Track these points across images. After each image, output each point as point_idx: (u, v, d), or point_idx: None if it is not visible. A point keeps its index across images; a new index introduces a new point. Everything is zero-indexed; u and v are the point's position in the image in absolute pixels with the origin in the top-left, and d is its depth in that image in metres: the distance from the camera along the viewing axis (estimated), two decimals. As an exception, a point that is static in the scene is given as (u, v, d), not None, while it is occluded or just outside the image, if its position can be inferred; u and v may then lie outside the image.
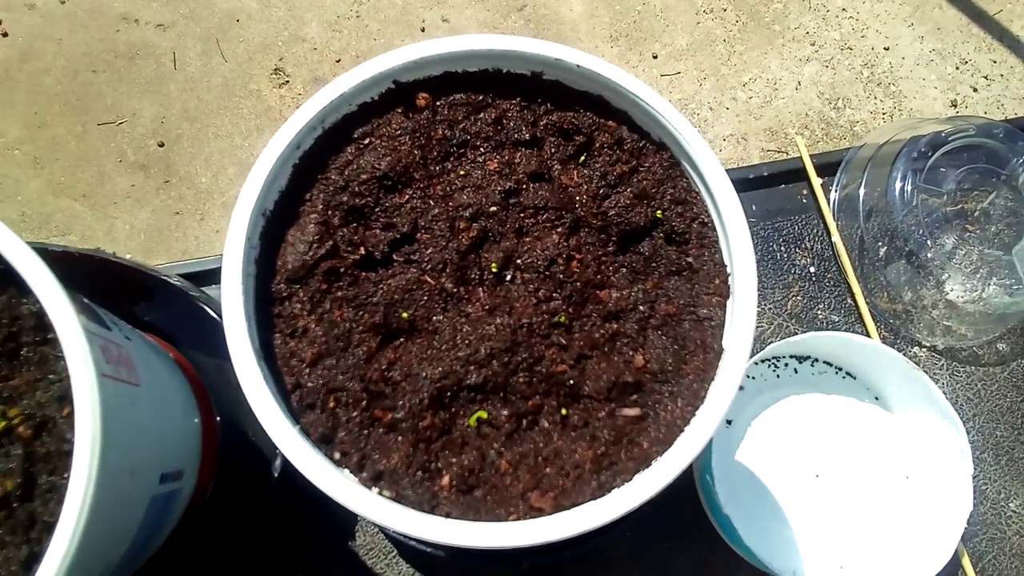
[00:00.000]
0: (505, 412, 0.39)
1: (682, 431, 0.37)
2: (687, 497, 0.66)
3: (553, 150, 0.43)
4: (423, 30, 2.07)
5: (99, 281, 0.58)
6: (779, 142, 2.12)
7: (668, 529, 0.66)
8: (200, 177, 1.86)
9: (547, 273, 0.41)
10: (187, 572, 0.57)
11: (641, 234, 0.43)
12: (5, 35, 1.86)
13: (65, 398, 0.37)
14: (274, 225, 0.40)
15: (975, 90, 2.23)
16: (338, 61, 1.98)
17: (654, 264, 0.42)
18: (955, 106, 2.18)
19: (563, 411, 0.39)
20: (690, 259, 0.42)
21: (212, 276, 0.68)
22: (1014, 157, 0.70)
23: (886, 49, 2.24)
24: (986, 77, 2.25)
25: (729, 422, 0.68)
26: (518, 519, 0.36)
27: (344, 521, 0.64)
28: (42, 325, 0.38)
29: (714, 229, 0.42)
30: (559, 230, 0.42)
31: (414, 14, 2.09)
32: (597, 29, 2.18)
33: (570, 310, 0.40)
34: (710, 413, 0.37)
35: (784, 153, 2.10)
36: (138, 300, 0.60)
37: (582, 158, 0.44)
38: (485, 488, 0.38)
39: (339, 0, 2.06)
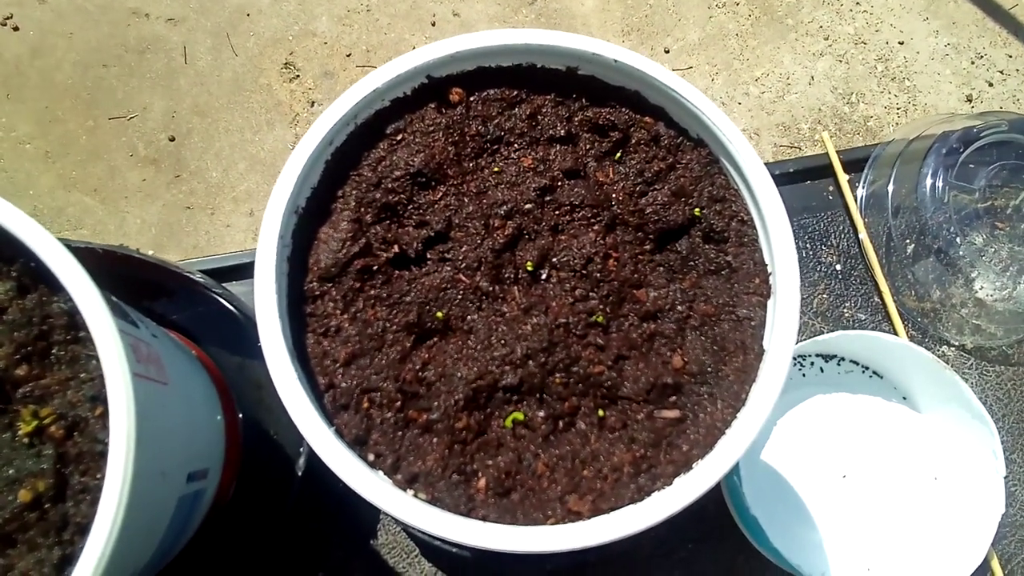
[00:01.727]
0: (541, 413, 0.38)
1: (723, 433, 0.36)
2: (712, 498, 0.65)
3: (588, 147, 0.43)
4: (433, 24, 2.06)
5: (122, 278, 0.57)
6: (792, 137, 2.10)
7: (694, 531, 0.65)
8: (211, 172, 1.85)
9: (583, 272, 0.40)
10: (210, 572, 0.56)
11: (678, 232, 0.42)
12: (16, 30, 1.86)
13: (97, 398, 0.36)
14: (307, 223, 0.39)
15: (990, 85, 2.21)
16: (348, 55, 1.97)
17: (692, 263, 0.42)
18: (970, 101, 2.16)
19: (600, 412, 0.39)
20: (729, 258, 0.41)
21: (234, 273, 0.67)
22: (1046, 153, 0.69)
23: (900, 43, 2.22)
24: (1002, 72, 2.23)
25: (754, 421, 0.68)
26: (556, 523, 0.36)
27: (366, 520, 0.64)
28: (73, 324, 0.37)
29: (754, 227, 0.41)
30: (595, 228, 0.41)
31: (424, 8, 2.08)
32: (608, 23, 2.16)
33: (607, 310, 0.40)
34: (752, 415, 0.36)
35: (797, 148, 2.09)
36: (161, 297, 0.59)
37: (618, 155, 0.43)
38: (522, 491, 0.37)
39: (350, -6, 2.05)
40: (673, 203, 0.42)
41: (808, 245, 0.73)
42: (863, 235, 0.73)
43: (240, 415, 0.61)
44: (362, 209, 0.40)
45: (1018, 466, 0.69)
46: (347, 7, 2.04)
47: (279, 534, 0.61)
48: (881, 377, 0.69)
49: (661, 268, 0.42)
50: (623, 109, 0.43)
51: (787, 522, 0.64)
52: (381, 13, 2.05)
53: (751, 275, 0.41)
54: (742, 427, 0.36)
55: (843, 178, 0.75)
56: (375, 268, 0.39)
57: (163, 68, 1.92)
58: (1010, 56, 2.24)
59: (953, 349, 0.72)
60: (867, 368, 0.69)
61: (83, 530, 0.34)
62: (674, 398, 0.39)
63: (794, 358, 0.69)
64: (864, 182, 0.74)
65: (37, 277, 0.37)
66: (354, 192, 0.40)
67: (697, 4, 2.22)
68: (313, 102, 1.89)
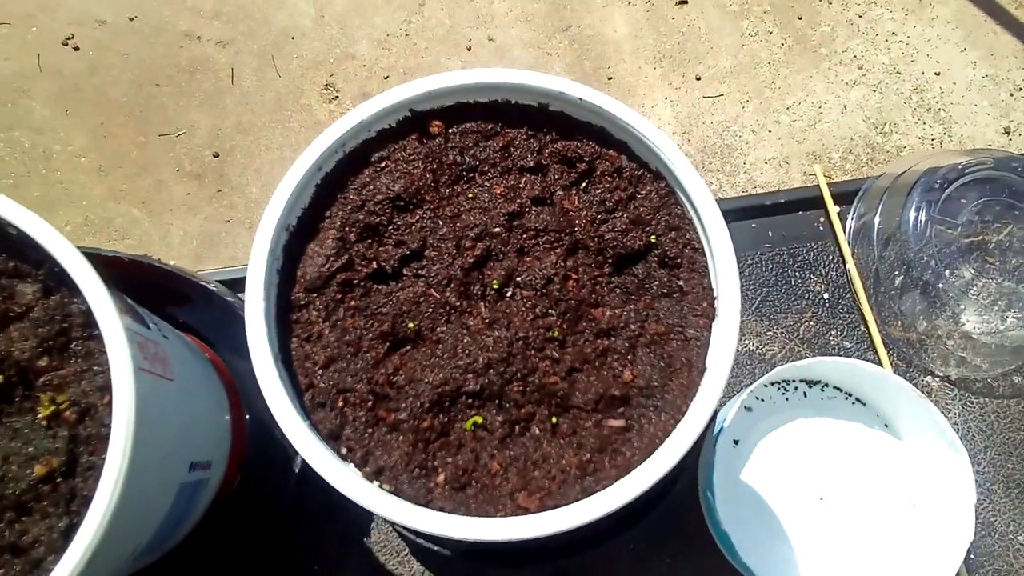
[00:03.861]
0: (499, 418, 0.42)
1: (663, 443, 0.40)
2: (694, 514, 0.67)
3: (557, 176, 0.47)
4: (469, 49, 2.13)
5: (145, 284, 0.63)
6: (822, 166, 2.11)
7: (673, 544, 0.68)
8: (251, 187, 1.94)
9: (544, 291, 0.44)
10: (212, 561, 0.61)
11: (636, 257, 0.46)
12: (77, 49, 1.98)
13: (106, 388, 0.41)
14: (296, 239, 0.44)
15: (1029, 117, 2.18)
16: (386, 78, 2.05)
17: (647, 286, 0.45)
18: (1008, 133, 2.14)
19: (553, 420, 0.42)
20: (681, 282, 0.45)
21: (249, 283, 0.72)
22: (1032, 190, 0.70)
23: (937, 74, 2.21)
24: (1041, 104, 2.20)
25: (736, 442, 0.70)
26: (505, 516, 0.39)
27: (359, 519, 0.68)
28: (89, 322, 0.42)
29: (704, 255, 0.45)
30: (558, 251, 0.45)
31: (461, 33, 2.15)
32: (640, 50, 2.20)
33: (564, 326, 0.43)
34: (689, 427, 0.39)
35: (829, 177, 2.09)
36: (180, 303, 0.64)
37: (584, 184, 0.47)
38: (477, 487, 0.41)
39: (390, 19, 2.13)
40: (631, 230, 0.45)
41: (797, 273, 0.76)
42: (850, 265, 0.75)
43: (247, 416, 0.65)
44: (346, 228, 0.44)
45: (998, 496, 0.70)
46: (387, 31, 2.12)
47: (278, 529, 0.66)
48: (864, 404, 0.71)
49: (618, 290, 0.45)
50: (589, 143, 0.47)
51: (762, 540, 0.66)
52: (419, 37, 2.13)
53: (700, 299, 0.44)
54: (679, 437, 0.39)
55: (833, 209, 0.77)
56: (356, 282, 0.44)
57: (211, 87, 2.02)
58: (1050, 88, 2.22)
59: (937, 380, 0.73)
60: (850, 395, 0.71)
61: (88, 502, 0.39)
62: (622, 409, 0.42)
63: (778, 382, 0.71)
64: (854, 214, 0.77)
65: (60, 281, 0.43)
66: (340, 213, 0.44)
67: (730, 32, 2.24)
68: (349, 123, 1.97)
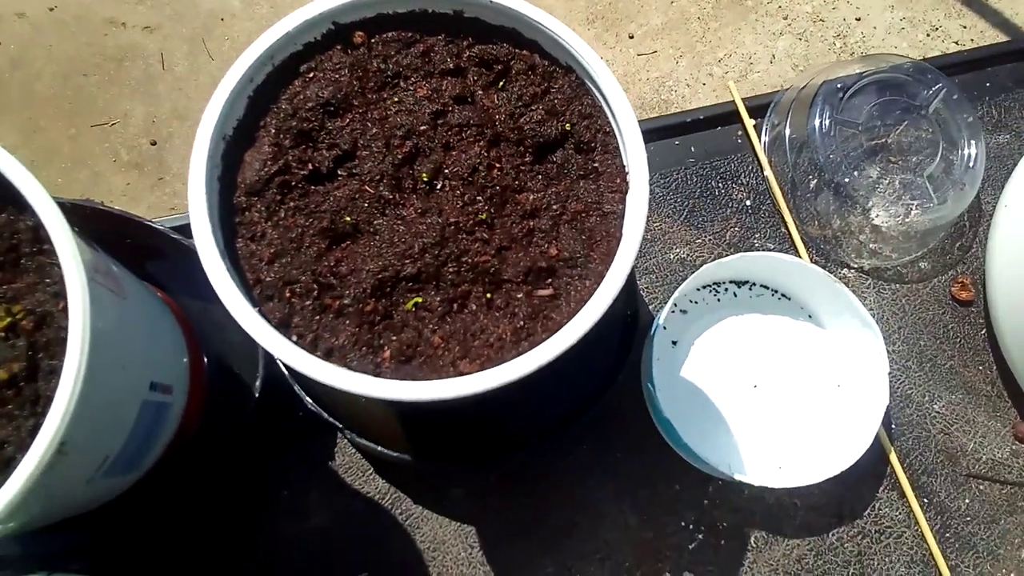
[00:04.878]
0: (438, 298, 0.45)
1: (586, 303, 0.44)
2: (639, 416, 0.72)
3: (475, 78, 0.50)
4: (402, 21, 2.13)
5: (91, 229, 0.64)
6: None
7: (621, 440, 0.72)
8: (192, 171, 1.92)
9: (471, 180, 0.47)
10: (180, 491, 0.63)
11: (554, 145, 0.49)
12: (-1, 44, 1.93)
13: (61, 295, 0.43)
14: (233, 148, 0.46)
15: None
16: (321, 54, 2.04)
17: (566, 170, 0.49)
18: (924, 59, 2.23)
19: (488, 295, 0.46)
20: (596, 164, 0.49)
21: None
22: (924, 89, 0.76)
23: (857, 20, 2.30)
24: (957, 42, 2.30)
25: (675, 343, 0.75)
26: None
27: (323, 443, 0.71)
28: (38, 238, 0.44)
29: (615, 137, 0.49)
30: (481, 144, 0.48)
31: (393, 6, 2.15)
32: (573, 12, 2.23)
33: (492, 210, 0.47)
34: (609, 285, 0.43)
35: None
36: (129, 247, 0.66)
37: (501, 84, 0.50)
38: (421, 359, 0.44)
39: (320, -4, 2.12)
40: (548, 120, 0.49)
41: (720, 184, 0.81)
42: (768, 173, 0.80)
43: (205, 358, 0.67)
44: (281, 135, 0.47)
45: (913, 371, 0.76)
46: (318, 9, 2.11)
47: (242, 457, 0.68)
48: (789, 299, 0.76)
49: (540, 176, 0.49)
50: (504, 44, 0.50)
51: (702, 426, 0.71)
52: (351, 13, 2.12)
53: (614, 176, 0.48)
54: (601, 295, 0.43)
55: (749, 123, 0.82)
56: (293, 183, 0.46)
57: (141, 75, 1.99)
58: (964, 27, 2.32)
59: (853, 272, 0.79)
60: (776, 291, 0.77)
61: (51, 402, 0.41)
62: (549, 280, 0.46)
63: (709, 285, 0.76)
64: (767, 126, 0.82)
65: (6, 199, 0.44)
66: (273, 121, 0.47)
67: (659, -10, 2.29)
68: (287, 100, 1.96)
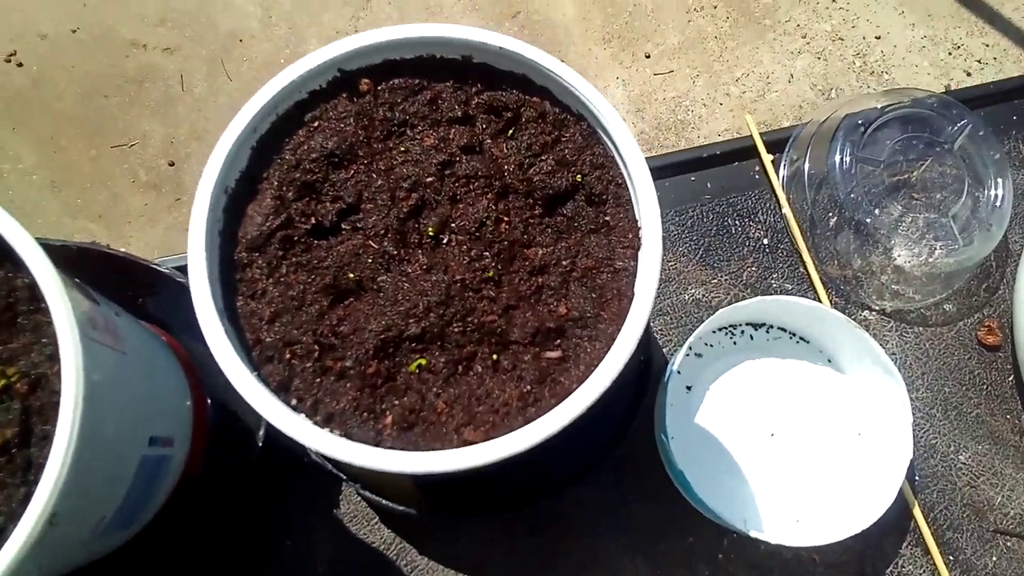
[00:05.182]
0: (442, 359, 0.44)
1: (597, 367, 0.42)
2: (652, 461, 0.70)
3: (484, 125, 0.48)
4: (419, 42, 2.13)
5: (97, 272, 0.63)
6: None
7: (635, 488, 0.70)
8: (208, 192, 1.92)
9: (478, 234, 0.46)
10: (183, 540, 0.62)
11: (565, 197, 0.48)
12: (20, 65, 1.95)
13: (55, 357, 0.42)
14: (236, 201, 0.45)
15: (968, 74, 2.25)
16: (337, 75, 2.05)
17: (576, 223, 0.47)
18: (948, 92, 2.19)
19: (494, 356, 0.44)
20: (608, 217, 0.47)
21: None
22: (948, 125, 0.74)
23: (877, 38, 2.27)
24: (979, 61, 2.27)
25: (689, 388, 0.72)
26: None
27: (327, 492, 0.69)
28: (35, 296, 0.43)
29: (627, 189, 0.47)
30: (489, 196, 0.46)
31: (410, 27, 2.15)
32: (589, 32, 2.23)
33: (499, 267, 0.45)
34: (620, 350, 0.41)
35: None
36: (134, 289, 0.65)
37: (511, 131, 0.49)
38: (424, 425, 0.42)
39: (338, 15, 2.13)
40: (558, 171, 0.47)
41: (737, 222, 0.79)
42: (787, 210, 0.78)
43: (209, 400, 0.66)
44: (284, 187, 0.46)
45: (938, 420, 0.73)
46: (336, 28, 2.12)
47: (246, 505, 0.67)
48: (808, 342, 0.74)
49: (549, 229, 0.47)
50: (514, 91, 0.49)
51: (717, 477, 0.69)
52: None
53: (626, 231, 0.46)
54: (611, 360, 0.41)
55: (767, 158, 0.80)
56: (296, 238, 0.45)
57: (161, 96, 2.00)
58: (987, 45, 2.29)
59: (874, 313, 0.77)
60: (794, 334, 0.74)
61: (44, 470, 0.40)
62: (558, 341, 0.44)
63: (725, 327, 0.74)
64: (786, 161, 0.80)
65: (2, 256, 0.44)
66: (277, 173, 0.46)
67: (676, 9, 2.28)
68: (303, 121, 1.97)
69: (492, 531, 0.69)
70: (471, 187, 0.47)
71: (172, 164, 1.96)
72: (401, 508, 0.61)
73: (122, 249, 0.65)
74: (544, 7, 2.23)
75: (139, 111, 1.99)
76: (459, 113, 0.48)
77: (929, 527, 0.70)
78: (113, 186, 1.93)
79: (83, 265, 0.62)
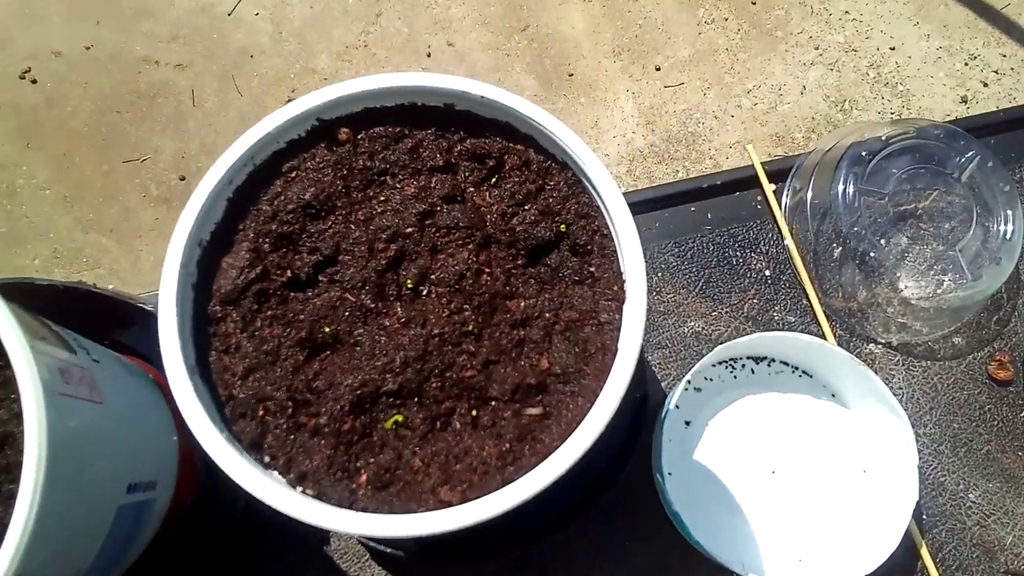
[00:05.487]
0: (420, 415, 0.43)
1: (579, 426, 0.40)
2: (649, 498, 0.68)
3: (467, 174, 0.47)
4: (429, 55, 2.14)
5: (83, 310, 0.63)
6: (786, 147, 2.12)
7: (631, 528, 0.69)
8: (218, 208, 1.93)
9: (458, 287, 0.44)
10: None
11: (548, 247, 0.46)
12: (34, 82, 1.97)
13: (21, 415, 0.41)
14: (210, 254, 0.44)
15: (985, 85, 2.21)
16: (346, 90, 2.05)
17: (560, 274, 0.46)
18: (965, 102, 2.16)
19: (473, 412, 0.43)
20: (592, 268, 0.46)
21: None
22: (956, 156, 0.72)
23: (892, 49, 2.24)
24: (996, 71, 2.23)
25: (688, 423, 0.71)
26: (427, 511, 0.40)
27: (317, 529, 0.68)
28: (2, 352, 0.43)
29: (612, 240, 0.45)
30: (470, 247, 0.45)
31: (419, 40, 2.15)
32: (599, 45, 2.21)
33: (479, 320, 0.44)
34: (602, 408, 0.40)
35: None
36: (120, 325, 0.65)
37: (494, 180, 0.47)
38: (399, 485, 0.41)
39: (347, 31, 2.14)
40: (542, 221, 0.46)
41: (738, 253, 0.77)
42: (789, 241, 0.76)
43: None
44: (260, 239, 0.45)
45: (947, 456, 0.71)
46: (346, 43, 2.12)
47: (236, 540, 0.66)
48: (810, 376, 0.72)
49: (532, 280, 0.46)
50: (497, 139, 0.47)
51: (716, 517, 0.67)
52: (378, 47, 2.13)
53: (611, 283, 0.45)
54: (593, 419, 0.40)
55: (769, 188, 0.78)
56: (271, 291, 0.44)
57: (173, 111, 2.02)
58: (1004, 55, 2.25)
59: (880, 347, 0.74)
60: (796, 368, 0.72)
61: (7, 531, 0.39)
62: (540, 397, 0.43)
63: (725, 361, 0.72)
64: (788, 191, 0.78)
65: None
66: (253, 224, 0.45)
67: (686, 21, 2.26)
68: (312, 137, 1.97)
69: (485, 572, 0.67)
70: (452, 237, 0.46)
71: (183, 178, 1.97)
72: (390, 551, 0.60)
73: (110, 286, 0.65)
74: (554, 20, 2.22)
75: (151, 126, 2.00)
76: (441, 161, 0.47)
77: (937, 568, 0.68)
78: (125, 200, 1.94)
79: (68, 305, 0.62)
